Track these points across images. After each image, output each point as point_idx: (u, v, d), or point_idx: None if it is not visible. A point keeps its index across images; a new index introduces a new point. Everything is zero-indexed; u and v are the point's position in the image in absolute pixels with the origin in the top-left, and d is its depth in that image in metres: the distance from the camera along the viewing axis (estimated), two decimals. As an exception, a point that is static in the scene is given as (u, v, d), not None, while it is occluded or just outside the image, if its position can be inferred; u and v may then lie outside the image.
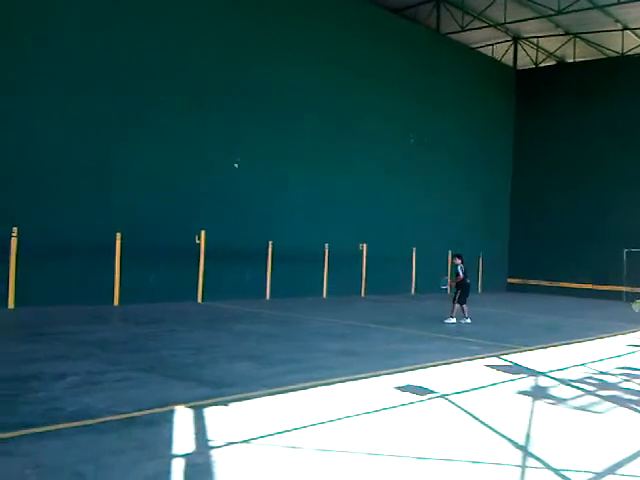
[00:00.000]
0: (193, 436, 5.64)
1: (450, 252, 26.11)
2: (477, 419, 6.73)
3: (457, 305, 15.47)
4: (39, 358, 8.71)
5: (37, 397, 6.63)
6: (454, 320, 15.33)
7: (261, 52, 19.03)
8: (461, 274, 15.57)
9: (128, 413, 6.19)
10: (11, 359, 8.55)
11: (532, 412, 7.22)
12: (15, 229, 13.69)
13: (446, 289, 16.36)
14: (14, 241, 13.70)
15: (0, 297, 13.43)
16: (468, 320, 15.37)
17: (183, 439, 5.52)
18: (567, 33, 28.21)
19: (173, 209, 16.72)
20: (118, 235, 15.49)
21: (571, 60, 30.11)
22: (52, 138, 14.50)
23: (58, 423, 5.73)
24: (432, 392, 7.89)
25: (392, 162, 23.71)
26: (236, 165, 18.34)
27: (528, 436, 6.25)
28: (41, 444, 5.19)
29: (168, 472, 4.77)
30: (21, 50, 14.00)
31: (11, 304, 13.69)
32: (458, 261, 15.80)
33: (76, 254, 14.66)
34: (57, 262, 14.36)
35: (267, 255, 19.15)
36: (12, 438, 5.28)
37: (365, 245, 22.38)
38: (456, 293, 15.65)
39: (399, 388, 7.96)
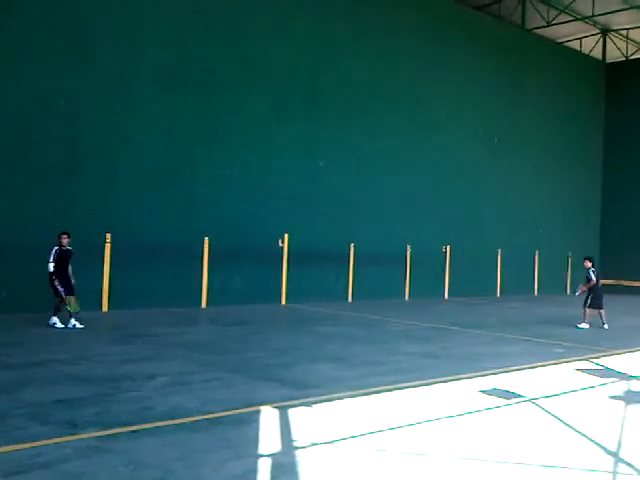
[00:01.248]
0: (278, 436, 5.76)
1: (537, 252, 25.54)
2: (566, 424, 6.57)
3: (589, 310, 15.01)
4: (131, 359, 9.08)
5: (130, 396, 6.92)
6: (587, 325, 14.90)
7: (343, 52, 19.17)
8: (593, 278, 15.05)
9: (216, 413, 6.38)
10: (106, 360, 8.95)
11: (624, 417, 6.98)
12: (108, 235, 14.30)
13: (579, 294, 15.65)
14: (108, 247, 14.31)
15: (94, 300, 14.05)
16: (605, 326, 14.87)
17: (269, 439, 5.65)
18: (659, 23, 27.06)
19: (257, 213, 17.04)
20: (206, 239, 15.92)
21: (663, 51, 28.86)
22: (143, 145, 15.06)
23: (150, 422, 5.97)
24: (519, 396, 7.75)
25: (476, 162, 23.34)
26: (321, 163, 18.52)
27: (620, 442, 6.05)
28: (135, 442, 5.43)
29: (254, 471, 4.89)
30: (108, 59, 14.61)
31: (105, 307, 14.30)
32: (589, 264, 15.26)
33: (166, 258, 15.19)
34: (148, 266, 14.92)
35: (349, 257, 19.23)
36: (108, 436, 5.54)
37: (448, 247, 22.12)
38: (587, 298, 15.16)
39: (484, 392, 7.85)
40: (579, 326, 14.95)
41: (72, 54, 14.02)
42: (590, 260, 15.41)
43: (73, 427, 5.72)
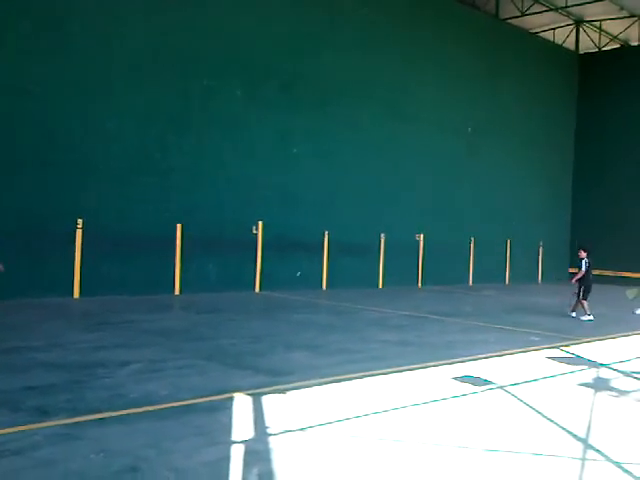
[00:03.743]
0: (252, 423, 5.76)
1: (509, 241, 25.78)
2: (536, 411, 6.66)
3: (585, 302, 14.68)
4: (104, 346, 9.00)
5: (102, 384, 6.87)
6: (591, 317, 14.51)
7: (320, 41, 19.06)
8: (583, 269, 14.72)
9: (188, 400, 6.37)
10: (78, 347, 8.87)
11: (593, 404, 7.10)
12: (80, 221, 14.13)
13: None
14: (79, 233, 14.14)
15: (66, 287, 13.89)
16: (580, 316, 14.67)
17: (242, 426, 5.65)
18: (632, 15, 27.30)
19: (230, 200, 16.95)
20: (179, 226, 15.81)
21: (636, 43, 29.13)
22: (116, 132, 14.87)
23: (122, 409, 5.94)
24: (490, 383, 7.84)
25: (451, 151, 23.44)
26: (295, 151, 18.47)
27: (589, 428, 6.15)
28: (106, 429, 5.39)
29: (227, 458, 4.89)
30: (81, 44, 14.38)
31: (76, 294, 14.15)
32: (583, 254, 14.93)
33: (138, 245, 15.04)
34: (120, 253, 14.77)
35: (323, 245, 19.24)
36: (79, 423, 5.50)
37: (422, 235, 22.24)
38: (579, 288, 14.79)
39: (456, 379, 7.93)
40: (583, 319, 14.53)
41: (45, 39, 13.74)
42: (585, 250, 15.04)
43: (44, 414, 5.66)
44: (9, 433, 5.12)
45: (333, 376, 7.70)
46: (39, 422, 5.44)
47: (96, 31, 14.54)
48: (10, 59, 13.31)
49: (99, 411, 5.83)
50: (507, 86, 25.87)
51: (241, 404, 6.35)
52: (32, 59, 13.57)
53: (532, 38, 28.28)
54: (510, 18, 26.65)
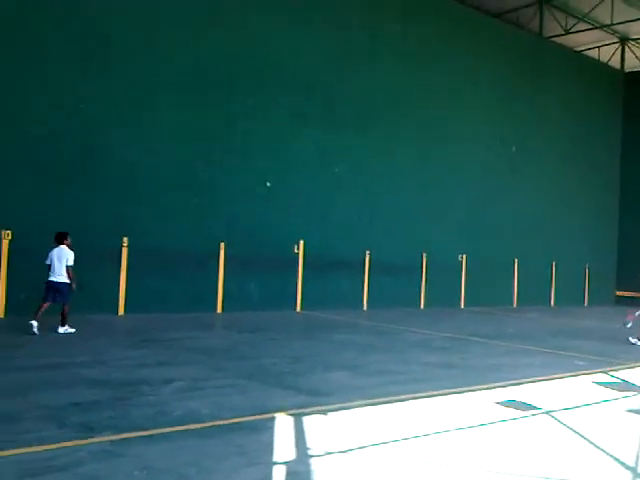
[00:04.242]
0: (293, 444, 5.73)
1: (554, 263, 25.32)
2: (583, 437, 6.49)
3: None
4: (147, 363, 9.10)
5: (145, 401, 6.93)
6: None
7: (360, 60, 19.17)
8: None
9: (230, 419, 6.38)
10: (122, 364, 8.98)
11: (643, 432, 6.88)
12: (125, 239, 14.37)
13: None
14: (124, 251, 14.38)
15: (111, 304, 14.11)
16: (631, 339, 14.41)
17: (283, 446, 5.62)
18: (679, 33, 26.87)
19: (272, 219, 17.06)
20: (222, 245, 15.96)
21: (684, 61, 28.63)
22: (161, 151, 15.13)
23: (165, 427, 5.97)
24: (535, 408, 7.67)
25: (493, 170, 23.25)
26: (336, 170, 18.52)
27: (638, 456, 5.96)
28: (149, 447, 5.43)
29: (268, 478, 4.87)
30: (127, 64, 14.71)
31: (121, 311, 14.36)
32: None
33: (182, 263, 15.23)
34: (164, 270, 14.97)
35: (364, 264, 19.19)
36: (123, 440, 5.55)
37: (464, 255, 22.02)
38: None
39: (501, 403, 7.78)
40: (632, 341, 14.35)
41: (91, 59, 14.13)
42: None
43: (89, 430, 5.73)
44: (55, 449, 5.19)
45: (374, 398, 7.63)
46: (84, 438, 5.50)
47: (142, 51, 14.88)
48: (60, 78, 13.69)
49: (142, 428, 5.88)
50: (551, 104, 25.60)
51: (282, 424, 6.33)
52: (81, 78, 13.95)
53: (576, 56, 27.99)
54: (554, 36, 26.44)
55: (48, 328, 11.61)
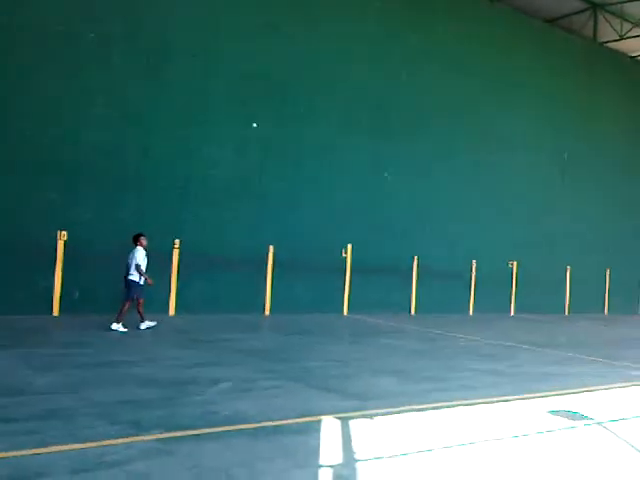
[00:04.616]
0: (340, 448, 5.74)
1: (608, 271, 24.74)
2: (637, 450, 6.32)
3: None
4: (196, 363, 9.23)
5: (194, 400, 7.03)
6: None
7: (412, 66, 19.11)
8: None
9: (277, 420, 6.42)
10: (172, 363, 9.13)
11: (700, 447, 6.67)
12: (177, 241, 14.61)
13: None
14: (176, 252, 14.62)
15: (162, 304, 14.36)
16: None
17: (330, 450, 5.64)
18: None
19: (321, 223, 17.12)
20: (271, 248, 16.09)
21: None
22: (214, 156, 15.35)
23: (213, 426, 6.05)
24: (587, 418, 7.50)
25: (545, 177, 22.87)
26: (386, 175, 18.50)
27: (696, 473, 5.78)
28: (198, 445, 5.50)
29: (316, 481, 4.90)
30: (183, 72, 14.97)
31: (172, 311, 14.60)
32: None
33: (231, 265, 15.41)
34: (214, 272, 15.16)
35: (412, 270, 19.08)
36: (172, 438, 5.64)
37: (515, 262, 21.70)
38: None
39: (551, 412, 7.64)
40: None
41: (148, 66, 14.44)
42: None
43: (139, 428, 5.85)
44: (106, 446, 5.31)
45: (422, 404, 7.59)
46: (134, 436, 5.62)
47: (195, 61, 15.13)
48: (116, 87, 14.00)
49: (192, 427, 5.96)
50: (604, 111, 25.05)
51: (329, 427, 6.34)
52: (136, 86, 14.24)
53: (631, 62, 27.30)
54: (608, 42, 25.84)
55: (101, 327, 11.89)
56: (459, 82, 20.20)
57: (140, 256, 11.93)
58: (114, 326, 11.71)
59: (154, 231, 14.25)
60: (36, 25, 13.10)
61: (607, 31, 25.36)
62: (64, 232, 13.19)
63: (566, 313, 23.41)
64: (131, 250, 12.03)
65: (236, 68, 15.72)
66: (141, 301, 12.04)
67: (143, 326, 12.05)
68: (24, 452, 5.00)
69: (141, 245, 12.06)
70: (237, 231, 15.64)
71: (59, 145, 13.38)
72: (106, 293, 13.57)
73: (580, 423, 7.29)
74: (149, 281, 11.95)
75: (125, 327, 11.81)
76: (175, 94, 14.82)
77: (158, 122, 14.59)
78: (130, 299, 11.87)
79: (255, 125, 16.24)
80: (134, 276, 11.86)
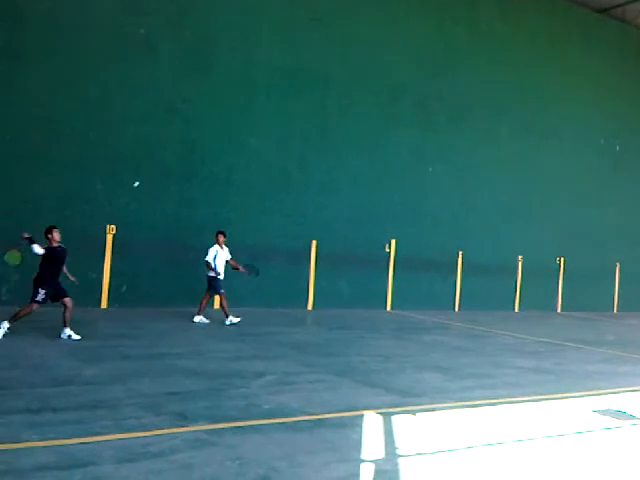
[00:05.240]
0: (382, 442, 5.75)
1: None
2: (687, 452, 6.18)
3: None
4: (241, 356, 9.33)
5: (239, 393, 7.12)
6: None
7: (455, 57, 18.91)
8: None
9: (320, 414, 6.46)
10: (217, 356, 9.25)
11: None
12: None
13: None
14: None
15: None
16: None
17: (372, 445, 5.65)
18: None
19: (364, 218, 17.09)
20: (314, 242, 16.14)
21: None
22: (257, 149, 15.45)
23: (256, 419, 6.12)
24: (635, 418, 7.35)
25: (595, 170, 22.38)
26: (430, 169, 18.37)
27: None
28: (241, 437, 5.57)
29: (356, 475, 4.91)
30: (226, 65, 15.09)
31: (217, 305, 14.74)
32: None
33: (275, 259, 15.49)
34: (259, 266, 15.22)
35: (457, 265, 18.92)
36: (216, 430, 5.72)
37: (562, 258, 21.32)
38: None
39: (597, 411, 7.51)
40: None
41: (193, 60, 14.59)
42: None
43: (184, 419, 5.95)
44: (152, 436, 5.42)
45: (465, 401, 7.54)
46: (179, 427, 5.72)
47: (239, 53, 15.23)
48: (161, 79, 14.20)
49: (236, 419, 6.04)
50: (658, 102, 24.36)
51: (371, 422, 6.35)
52: (181, 79, 14.42)
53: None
54: (664, 31, 25.12)
55: (148, 319, 12.11)
56: (504, 73, 19.91)
57: (211, 253, 12.48)
58: (196, 319, 12.40)
59: (198, 224, 14.43)
60: (83, 23, 13.35)
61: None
62: (113, 226, 13.45)
63: (615, 311, 22.91)
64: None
65: (279, 61, 15.77)
66: (222, 296, 12.48)
67: (227, 321, 12.36)
68: (71, 441, 5.14)
69: (217, 242, 12.64)
70: (280, 223, 15.71)
71: (106, 139, 13.61)
72: (153, 285, 13.82)
73: (626, 423, 7.14)
74: (214, 273, 12.42)
75: (237, 316, 12.48)
76: (219, 87, 14.94)
77: (202, 115, 14.73)
78: (216, 293, 12.62)
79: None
80: (210, 272, 12.44)
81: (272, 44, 15.71)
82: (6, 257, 9.58)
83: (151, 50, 14.08)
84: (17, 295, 11.38)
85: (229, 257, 12.79)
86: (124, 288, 13.63)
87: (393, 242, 17.57)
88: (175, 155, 14.46)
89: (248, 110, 15.38)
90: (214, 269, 12.40)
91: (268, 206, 15.62)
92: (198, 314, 12.47)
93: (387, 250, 17.52)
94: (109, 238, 13.46)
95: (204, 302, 12.56)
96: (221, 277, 12.49)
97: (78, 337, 9.53)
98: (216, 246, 12.61)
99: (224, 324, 12.31)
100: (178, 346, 9.79)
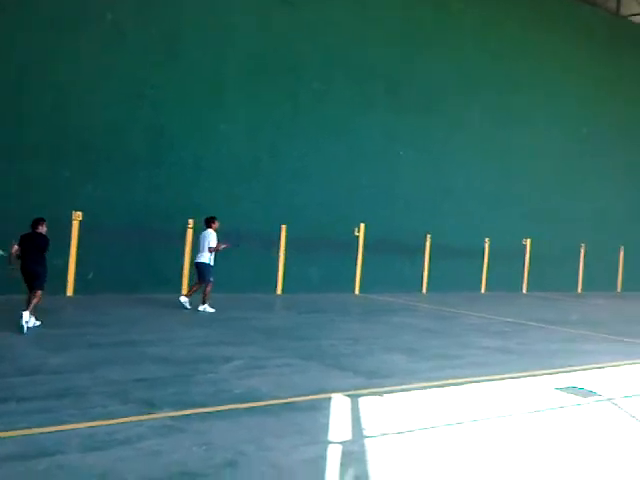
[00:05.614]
0: (349, 424, 5.82)
1: (622, 248, 24.60)
2: (645, 427, 6.36)
3: None
4: (210, 342, 9.34)
5: (207, 378, 7.13)
6: None
7: (426, 41, 18.89)
8: None
9: (289, 398, 6.50)
10: (186, 342, 9.24)
11: None
12: (191, 221, 14.63)
13: None
14: (190, 232, 14.65)
15: (174, 284, 14.41)
16: None
17: (340, 426, 5.71)
18: None
19: (335, 202, 17.09)
20: (283, 227, 16.12)
21: None
22: (226, 134, 15.34)
23: (225, 404, 6.14)
24: (596, 395, 7.54)
25: (563, 154, 22.64)
26: (401, 153, 18.42)
27: None
28: (209, 423, 5.60)
29: (324, 457, 4.97)
30: (195, 49, 14.93)
31: (184, 291, 14.67)
32: None
33: (245, 244, 15.42)
34: (227, 252, 15.16)
35: (425, 248, 19.07)
36: (184, 416, 5.74)
37: (529, 240, 21.61)
38: None
39: (560, 389, 7.68)
40: None
41: (161, 45, 14.35)
42: None
43: (151, 406, 5.95)
44: (118, 423, 5.41)
45: (431, 381, 7.65)
46: (146, 414, 5.71)
47: (208, 38, 15.03)
48: (129, 65, 13.98)
49: (204, 405, 6.06)
50: (625, 86, 24.65)
51: (339, 404, 6.42)
52: (150, 64, 14.20)
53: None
54: (632, 15, 25.40)
55: (115, 306, 12.03)
56: (476, 57, 19.94)
57: (213, 238, 12.32)
58: (201, 307, 12.23)
59: (167, 209, 14.31)
60: (50, 7, 13.07)
61: (631, 4, 24.93)
62: (79, 212, 13.28)
63: (579, 291, 23.33)
64: (202, 233, 12.55)
65: (249, 47, 15.60)
66: (208, 285, 12.31)
67: (201, 308, 12.24)
68: (37, 430, 5.11)
69: (213, 228, 12.45)
70: (250, 209, 15.62)
71: (74, 125, 13.39)
72: (120, 272, 13.68)
73: (589, 400, 7.32)
74: (224, 246, 12.41)
75: (212, 307, 12.25)
76: (189, 73, 14.74)
77: (170, 100, 14.56)
78: (208, 281, 12.27)
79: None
80: (204, 258, 12.25)
81: (243, 29, 15.51)
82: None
83: (119, 35, 13.84)
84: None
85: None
86: (91, 275, 13.49)
87: (362, 226, 17.62)
88: (143, 141, 14.27)
89: (218, 96, 15.23)
90: (227, 242, 12.52)
91: (238, 192, 15.52)
92: (203, 303, 12.28)
93: (356, 234, 17.57)
94: (75, 225, 13.28)
95: (195, 288, 12.54)
96: (212, 263, 12.37)
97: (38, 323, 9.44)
98: (213, 232, 12.42)
99: (197, 310, 12.20)
100: (146, 333, 9.76)
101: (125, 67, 13.92)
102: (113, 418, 5.52)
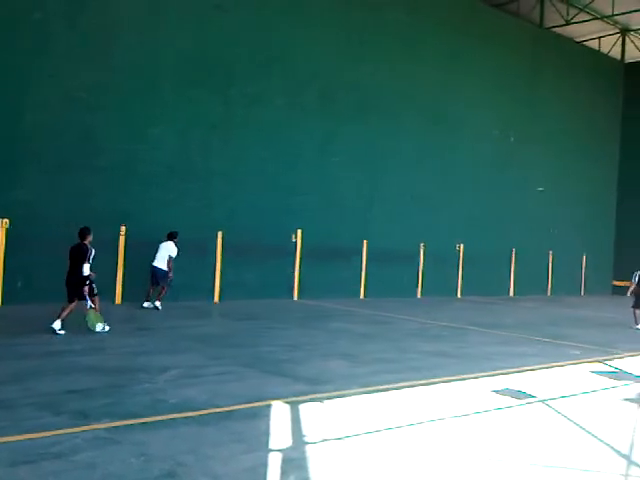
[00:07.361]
0: (289, 431, 5.76)
1: (551, 252, 25.37)
2: (578, 425, 6.53)
3: (638, 311, 15.39)
4: (145, 351, 9.12)
5: (143, 389, 6.95)
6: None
7: (359, 51, 19.08)
8: (634, 280, 15.50)
9: (227, 406, 6.40)
10: (120, 352, 9.01)
11: (637, 420, 6.93)
12: (123, 228, 14.35)
13: None
14: (122, 240, 14.35)
15: (109, 292, 14.08)
16: (639, 326, 15.28)
17: (280, 434, 5.65)
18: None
19: (270, 208, 17.04)
20: (219, 234, 15.95)
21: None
22: (159, 138, 15.08)
23: (162, 414, 6.00)
24: (531, 396, 7.71)
25: (492, 161, 23.23)
26: (336, 159, 18.51)
27: (632, 444, 6.01)
28: (146, 434, 5.45)
29: (264, 465, 4.90)
30: (127, 52, 14.65)
31: (118, 300, 14.36)
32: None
33: (180, 251, 15.18)
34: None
35: (362, 254, 19.20)
36: (119, 427, 5.57)
37: (462, 245, 22.04)
38: (636, 299, 15.47)
39: (496, 391, 7.82)
40: (637, 327, 15.26)
41: (92, 47, 14.05)
42: None
43: (85, 418, 5.75)
44: (51, 436, 5.21)
45: (370, 386, 7.67)
46: (80, 426, 5.52)
47: (141, 41, 14.81)
48: (59, 68, 13.61)
49: (139, 416, 5.90)
50: (550, 95, 25.54)
51: (279, 412, 6.36)
52: (80, 68, 13.86)
53: (577, 47, 27.90)
54: (555, 27, 26.35)
55: (46, 316, 11.63)
56: (405, 64, 20.27)
57: (174, 252, 13.65)
58: (145, 304, 13.75)
59: (99, 215, 13.94)
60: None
61: (553, 16, 25.82)
62: (6, 220, 12.81)
63: (511, 295, 23.93)
64: (162, 242, 13.82)
65: (183, 51, 15.44)
66: (165, 287, 13.77)
67: (146, 304, 13.73)
68: (-36, 445, 4.88)
69: (174, 242, 13.76)
70: (184, 215, 15.40)
71: (1, 128, 12.93)
72: (50, 280, 13.22)
73: (524, 401, 7.48)
74: (170, 275, 13.69)
75: (160, 306, 13.71)
76: (120, 74, 14.46)
77: (102, 104, 14.23)
78: (162, 285, 13.68)
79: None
80: (163, 265, 13.58)
81: (176, 30, 15.34)
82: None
83: (47, 35, 13.45)
84: None
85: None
86: (19, 284, 13.02)
87: (299, 232, 17.62)
88: (73, 144, 13.90)
89: (150, 98, 14.99)
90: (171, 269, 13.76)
91: (171, 197, 15.28)
92: (158, 300, 13.72)
93: (293, 240, 17.55)
94: (1, 232, 12.81)
95: (152, 291, 13.82)
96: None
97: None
98: (173, 244, 13.73)
99: (142, 305, 13.65)
100: (77, 342, 9.46)
101: (55, 68, 13.57)
102: (46, 430, 5.31)
